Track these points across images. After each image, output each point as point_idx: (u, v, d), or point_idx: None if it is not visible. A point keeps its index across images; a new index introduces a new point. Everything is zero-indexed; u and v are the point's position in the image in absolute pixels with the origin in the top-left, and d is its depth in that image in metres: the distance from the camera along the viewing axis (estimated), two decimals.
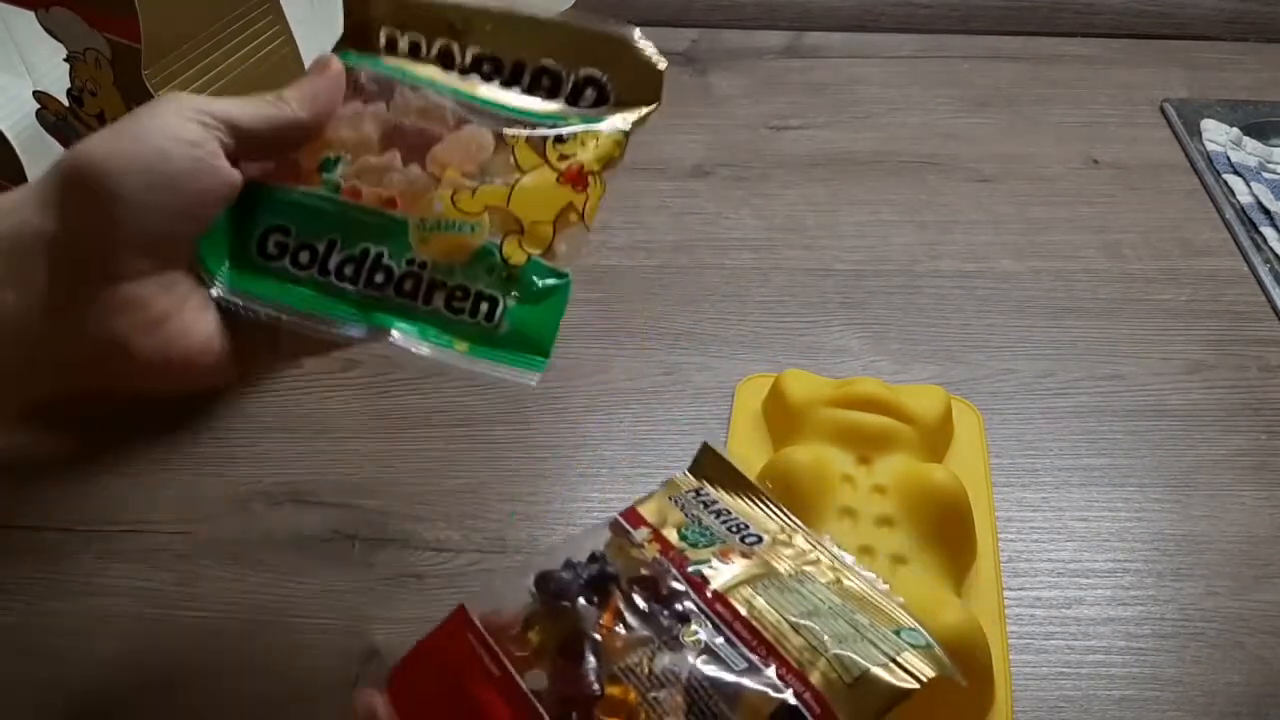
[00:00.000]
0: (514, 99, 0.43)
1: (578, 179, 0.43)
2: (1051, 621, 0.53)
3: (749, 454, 0.58)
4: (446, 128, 0.42)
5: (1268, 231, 0.75)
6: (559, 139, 0.42)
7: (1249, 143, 0.83)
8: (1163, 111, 0.86)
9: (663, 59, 0.45)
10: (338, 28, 0.82)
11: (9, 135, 0.57)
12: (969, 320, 0.68)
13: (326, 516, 0.56)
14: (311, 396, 0.62)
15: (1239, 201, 0.77)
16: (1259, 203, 0.77)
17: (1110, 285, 0.71)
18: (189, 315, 0.38)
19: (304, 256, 0.41)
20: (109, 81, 0.50)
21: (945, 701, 0.48)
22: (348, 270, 0.41)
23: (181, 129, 0.38)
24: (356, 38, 0.45)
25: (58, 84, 0.52)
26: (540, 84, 0.44)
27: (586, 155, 0.43)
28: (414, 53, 0.44)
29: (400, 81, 0.43)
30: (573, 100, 0.44)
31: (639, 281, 0.70)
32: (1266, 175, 0.80)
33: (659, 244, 0.72)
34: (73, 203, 0.36)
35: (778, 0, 0.93)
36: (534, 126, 0.42)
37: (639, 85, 0.44)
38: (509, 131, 0.42)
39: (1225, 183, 0.79)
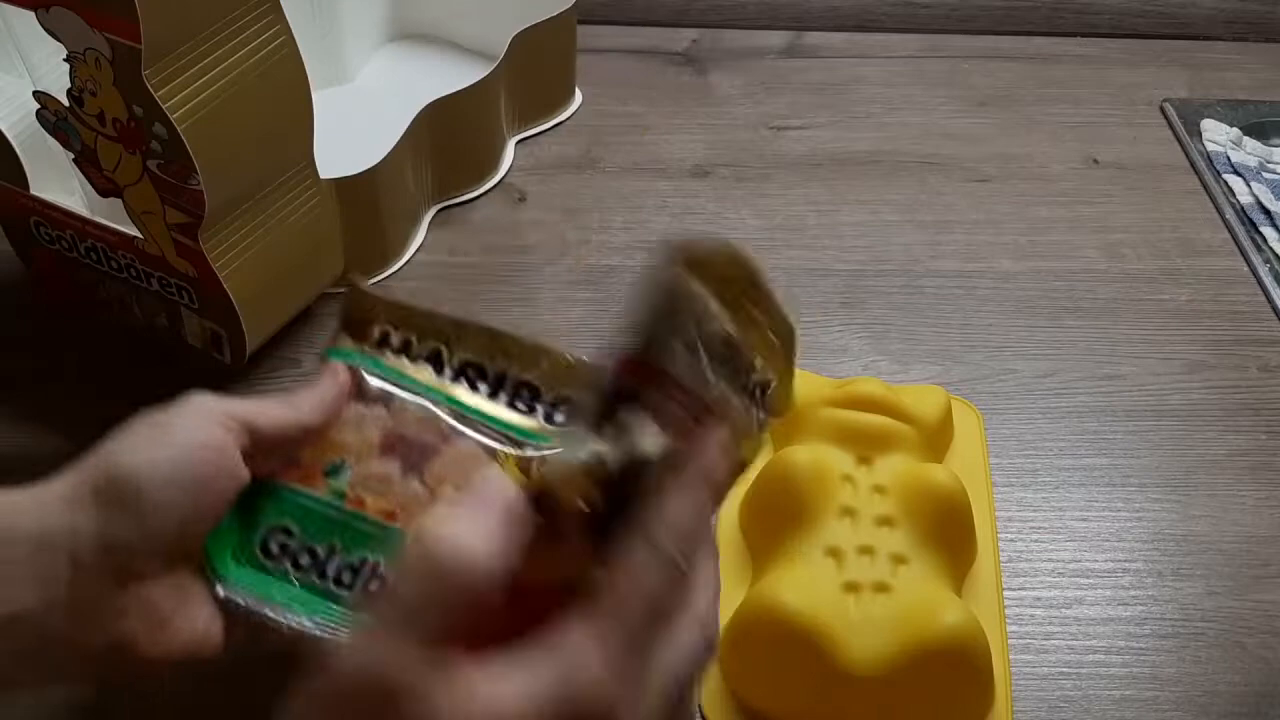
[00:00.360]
0: (498, 411, 0.47)
1: None
2: (1051, 621, 0.53)
3: None
4: (442, 439, 0.46)
5: (1268, 231, 0.75)
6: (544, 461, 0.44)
7: (1249, 143, 0.83)
8: (1163, 111, 0.86)
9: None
10: (338, 28, 0.82)
11: (9, 135, 0.57)
12: (969, 320, 0.68)
13: None
14: None
15: (1239, 201, 0.77)
16: (1259, 203, 0.77)
17: (1110, 285, 0.71)
18: (192, 610, 0.40)
19: (305, 559, 0.43)
20: (109, 81, 0.50)
21: (945, 701, 0.48)
22: (345, 577, 0.43)
23: (207, 434, 0.40)
24: (352, 328, 0.48)
25: (58, 84, 0.52)
26: (520, 396, 0.47)
27: None
28: (404, 349, 0.48)
29: (399, 385, 0.47)
30: (549, 417, 0.47)
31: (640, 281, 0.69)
32: (1266, 175, 0.80)
33: (659, 244, 0.72)
34: (104, 506, 0.37)
35: (778, 0, 0.93)
36: (519, 444, 0.45)
37: None
38: (501, 450, 0.45)
39: (1225, 183, 0.79)
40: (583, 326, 0.66)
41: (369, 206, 0.65)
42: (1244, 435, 0.62)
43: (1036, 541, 0.56)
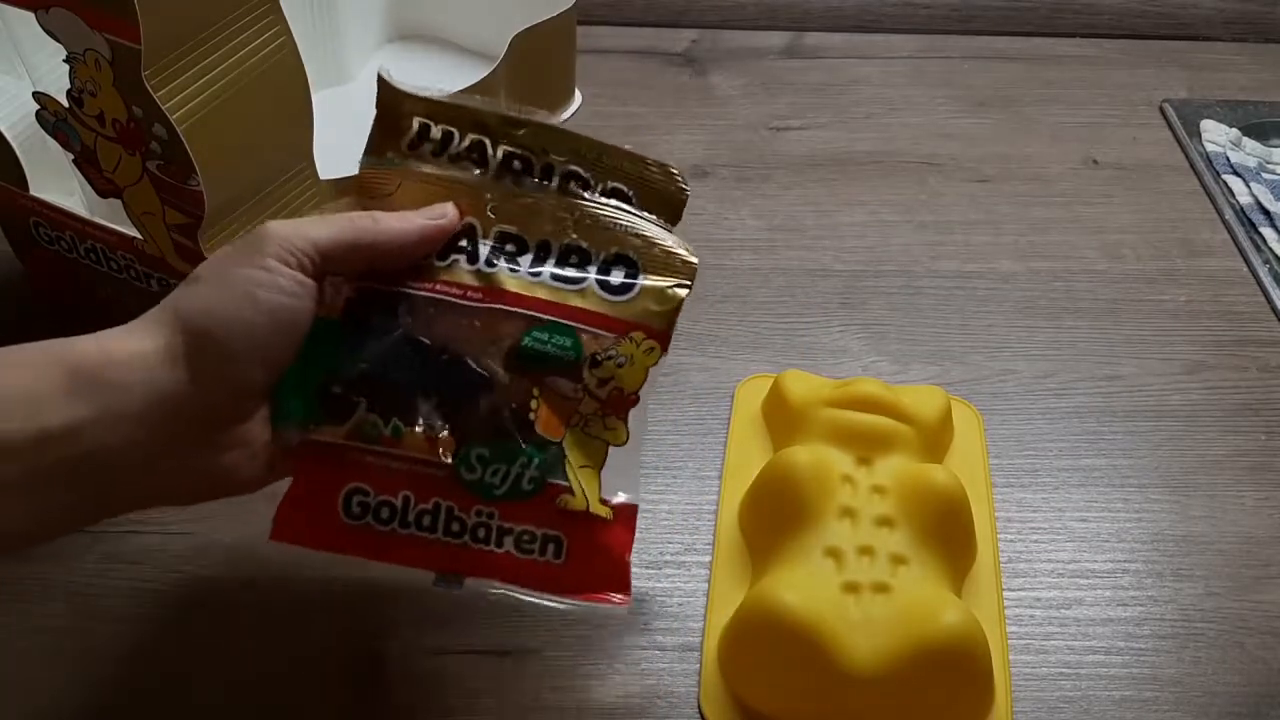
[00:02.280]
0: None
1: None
2: (1051, 622, 0.53)
3: (749, 454, 0.58)
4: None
5: (1267, 232, 0.75)
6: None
7: (1248, 143, 0.83)
8: (1162, 112, 0.86)
9: (687, 186, 0.47)
10: (338, 28, 0.82)
11: (9, 136, 0.57)
12: (969, 321, 0.68)
13: None
14: None
15: (1239, 202, 0.77)
16: (1259, 203, 0.77)
17: (1110, 285, 0.71)
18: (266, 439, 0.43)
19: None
20: (109, 81, 0.50)
21: (945, 701, 0.48)
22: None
23: (288, 283, 0.41)
24: (386, 124, 0.46)
25: (58, 84, 0.52)
26: (569, 187, 0.46)
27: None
28: (445, 144, 0.46)
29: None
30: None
31: None
32: (1266, 176, 0.80)
33: None
34: (202, 362, 0.40)
35: (778, 0, 0.93)
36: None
37: (663, 203, 0.47)
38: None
39: (1225, 183, 0.79)
40: None
41: None
42: (1244, 436, 0.62)
43: (1036, 542, 0.56)
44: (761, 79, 0.87)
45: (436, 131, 0.45)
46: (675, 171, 0.47)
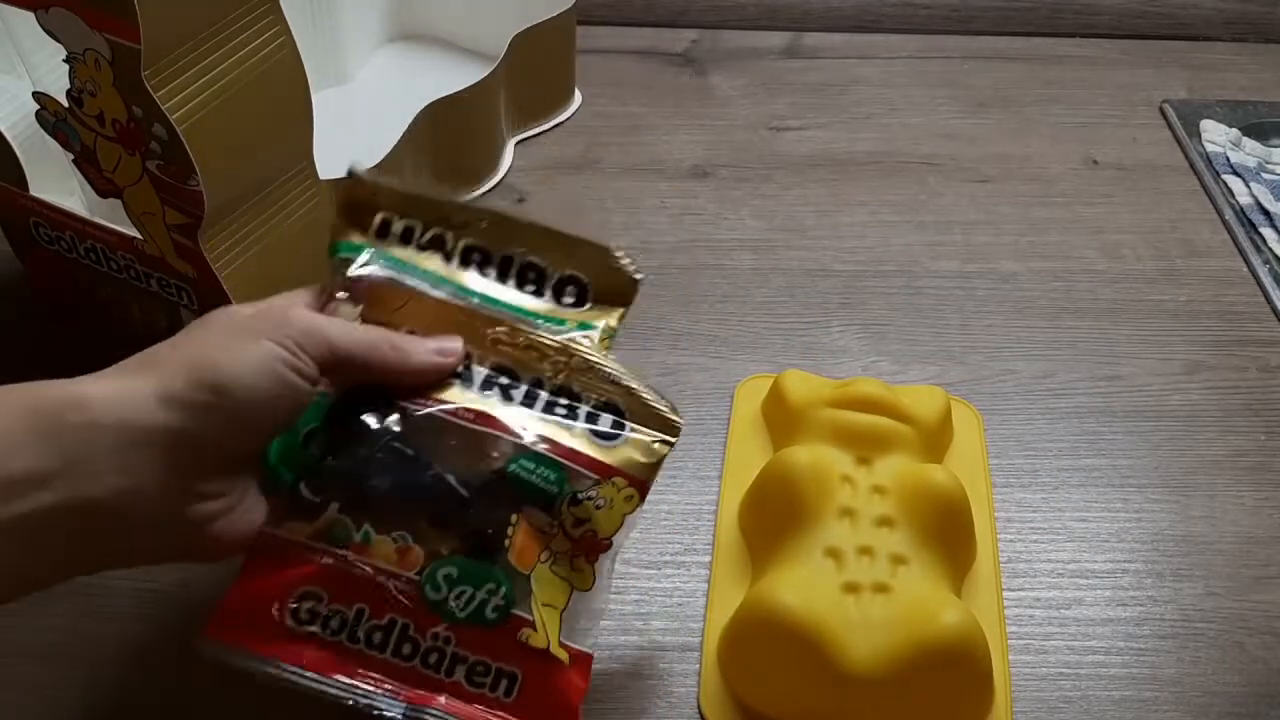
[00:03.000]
0: (510, 295, 0.47)
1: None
2: (1051, 622, 0.53)
3: (749, 454, 0.58)
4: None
5: (1267, 232, 0.75)
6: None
7: (1248, 143, 0.83)
8: (1162, 112, 0.86)
9: (640, 272, 0.48)
10: (338, 28, 0.82)
11: (9, 136, 0.57)
12: (969, 321, 0.68)
13: None
14: None
15: (1238, 202, 0.77)
16: (1258, 203, 0.77)
17: (1110, 286, 0.71)
18: (251, 500, 0.42)
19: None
20: (109, 81, 0.49)
21: (945, 702, 0.48)
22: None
23: (292, 361, 0.41)
24: (352, 217, 0.47)
25: (58, 84, 0.52)
26: (527, 277, 0.47)
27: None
28: (406, 237, 0.47)
29: (414, 276, 0.46)
30: (556, 296, 0.47)
31: None
32: (1266, 176, 0.80)
33: (658, 244, 0.72)
34: (196, 409, 0.39)
35: (778, 0, 0.93)
36: (532, 325, 0.46)
37: (617, 289, 0.48)
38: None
39: (1225, 183, 0.79)
40: None
41: None
42: (1243, 436, 0.62)
43: (1036, 542, 0.56)
44: (761, 79, 0.87)
45: (399, 225, 0.47)
46: (626, 257, 0.47)
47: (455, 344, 0.45)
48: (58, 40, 0.50)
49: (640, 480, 0.44)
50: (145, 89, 0.48)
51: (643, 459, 0.44)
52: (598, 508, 0.43)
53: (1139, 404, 0.63)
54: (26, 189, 0.59)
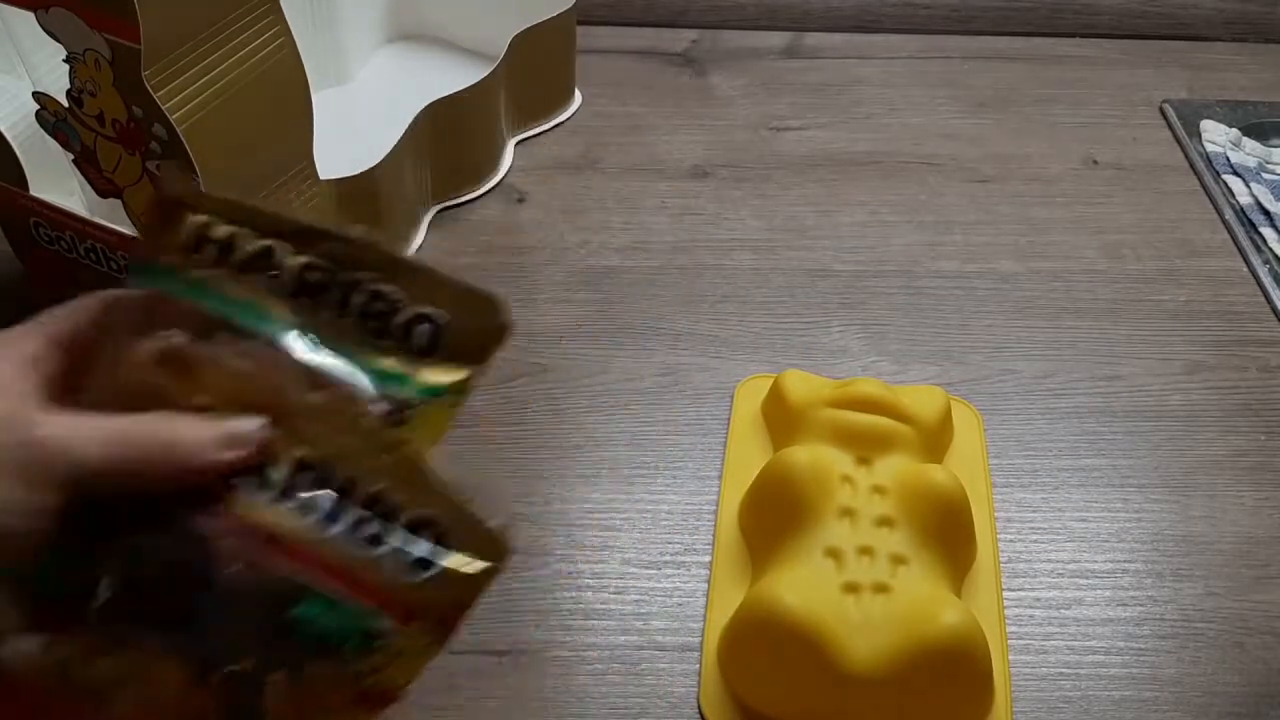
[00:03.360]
0: (346, 335, 0.38)
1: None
2: (1051, 622, 0.53)
3: (749, 454, 0.58)
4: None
5: (1267, 232, 0.75)
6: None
7: (1248, 143, 0.83)
8: (1162, 112, 0.86)
9: (509, 320, 0.39)
10: (338, 28, 0.82)
11: (9, 136, 0.57)
12: (969, 320, 0.68)
13: None
14: None
15: (1238, 202, 0.77)
16: (1258, 203, 0.77)
17: (1110, 285, 0.71)
18: None
19: None
20: (109, 81, 0.50)
21: (945, 702, 0.48)
22: None
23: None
24: (163, 223, 0.38)
25: (58, 84, 0.52)
26: (373, 310, 0.38)
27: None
28: (226, 250, 0.38)
29: (223, 314, 0.37)
30: (405, 336, 0.38)
31: (639, 282, 0.70)
32: (1266, 176, 0.80)
33: (658, 244, 0.72)
34: None
35: (778, 0, 0.93)
36: (371, 390, 0.38)
37: (479, 337, 0.39)
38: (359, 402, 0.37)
39: (1225, 183, 0.79)
40: (582, 327, 0.66)
41: (369, 207, 0.65)
42: (1243, 436, 0.62)
43: (1036, 542, 0.56)
44: (761, 79, 0.87)
45: (221, 231, 0.38)
46: (497, 301, 0.39)
47: (250, 429, 0.36)
48: (58, 40, 0.50)
49: (449, 621, 0.37)
50: (145, 89, 0.48)
51: (457, 595, 0.36)
52: (393, 656, 0.36)
53: (1139, 404, 0.63)
54: (26, 189, 0.59)
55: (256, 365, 0.37)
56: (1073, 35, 0.94)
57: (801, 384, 0.58)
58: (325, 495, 0.36)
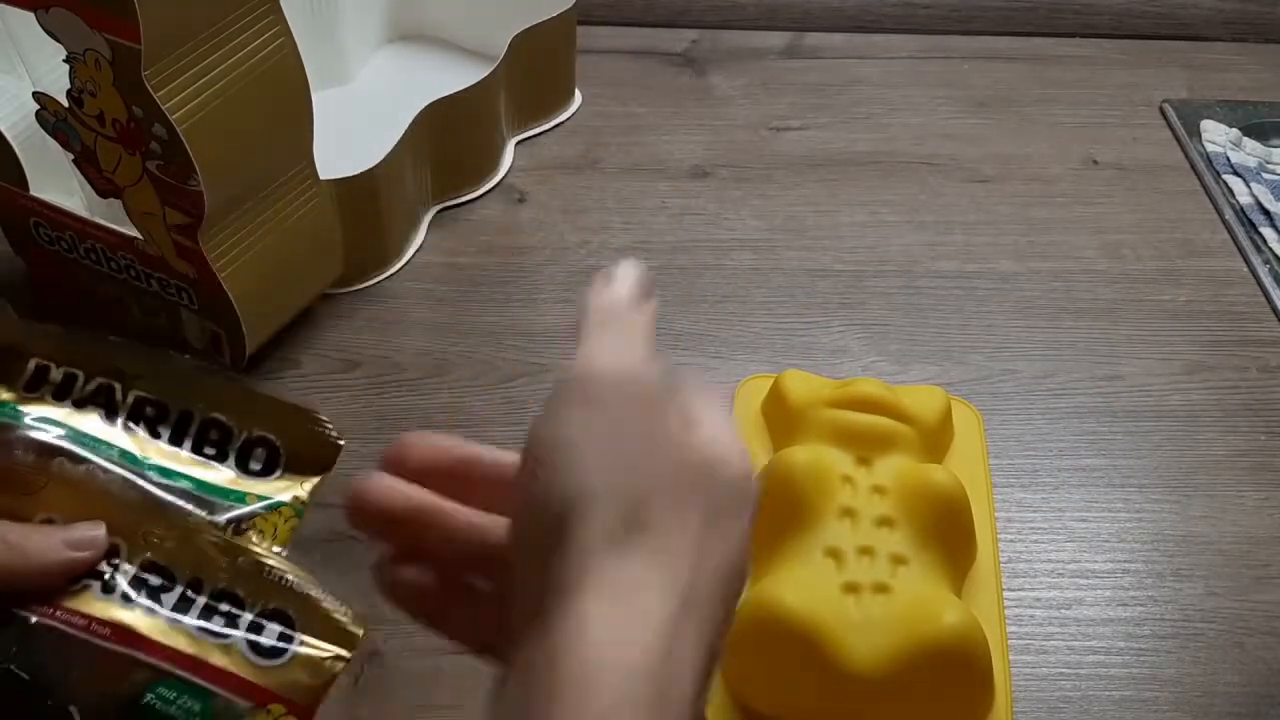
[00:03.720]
0: (184, 464, 0.40)
1: None
2: (1051, 622, 0.53)
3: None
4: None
5: (1267, 232, 0.75)
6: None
7: (1249, 143, 0.83)
8: (1162, 112, 0.86)
9: (341, 438, 0.42)
10: (338, 28, 0.82)
11: (9, 136, 0.57)
12: (969, 321, 0.68)
13: (326, 517, 0.55)
14: (312, 397, 0.62)
15: (1239, 202, 0.77)
16: (1259, 203, 0.77)
17: (1110, 285, 0.71)
18: None
19: None
20: (109, 82, 0.50)
21: (945, 702, 0.48)
22: None
23: None
24: (2, 360, 0.40)
25: (58, 84, 0.52)
26: (209, 437, 0.41)
27: None
28: (68, 387, 0.40)
29: (65, 441, 0.39)
30: (242, 461, 0.41)
31: None
32: (1266, 176, 0.80)
33: (658, 244, 0.72)
34: None
35: (778, 0, 0.93)
36: (211, 506, 0.40)
37: (313, 454, 0.42)
38: (194, 517, 0.40)
39: (1225, 183, 0.79)
40: None
41: (369, 207, 0.65)
42: (1244, 436, 0.62)
43: (1036, 542, 0.56)
44: (761, 79, 0.87)
45: (58, 374, 0.40)
46: (326, 421, 0.42)
47: (94, 533, 0.38)
48: (58, 40, 0.50)
49: (304, 705, 0.38)
50: (145, 89, 0.48)
51: (309, 680, 0.38)
52: None
53: (1139, 404, 0.63)
54: (26, 189, 0.59)
55: (96, 486, 0.39)
56: (1073, 35, 0.94)
57: (801, 384, 0.58)
58: (172, 592, 0.38)
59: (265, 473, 0.41)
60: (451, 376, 0.63)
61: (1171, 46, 0.93)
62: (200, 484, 0.40)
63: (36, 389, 0.40)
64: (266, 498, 0.41)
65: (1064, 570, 0.55)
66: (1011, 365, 0.65)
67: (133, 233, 0.56)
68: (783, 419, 0.58)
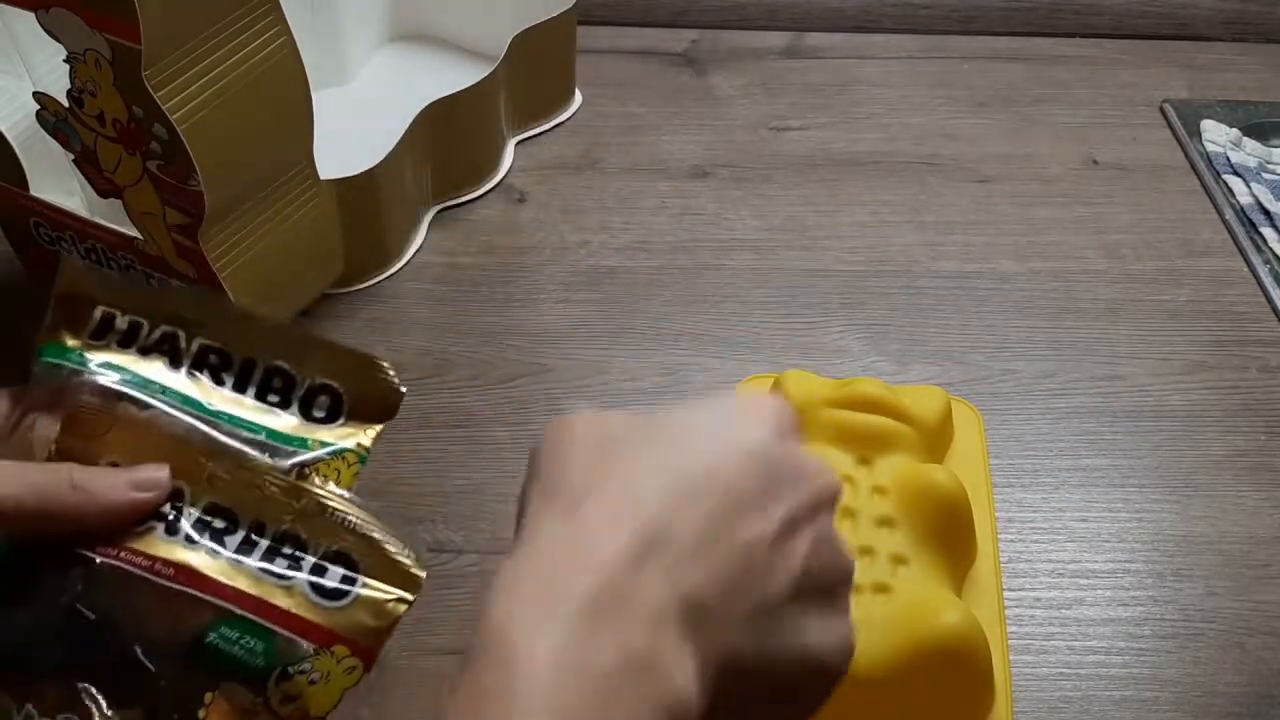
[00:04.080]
0: (248, 411, 0.41)
1: None
2: (1051, 622, 0.53)
3: None
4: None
5: (1267, 232, 0.75)
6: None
7: (1249, 143, 0.83)
8: (1163, 112, 0.86)
9: (403, 386, 0.42)
10: (338, 28, 0.82)
11: (9, 136, 0.57)
12: (969, 320, 0.68)
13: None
14: None
15: (1239, 202, 0.77)
16: (1259, 203, 0.77)
17: (1110, 285, 0.71)
18: None
19: None
20: (109, 82, 0.50)
21: (945, 702, 0.48)
22: None
23: None
24: (68, 311, 0.41)
25: (58, 84, 0.52)
26: (272, 385, 0.41)
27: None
28: (132, 337, 0.41)
29: (129, 387, 0.40)
30: (305, 408, 0.41)
31: (639, 282, 0.70)
32: (1266, 176, 0.80)
33: (659, 244, 0.72)
34: None
35: (778, 0, 0.93)
36: (275, 451, 0.40)
37: (376, 402, 0.42)
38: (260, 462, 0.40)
39: (1225, 183, 0.79)
40: (583, 327, 0.66)
41: (369, 207, 0.65)
42: (1244, 436, 0.62)
43: (1036, 542, 0.56)
44: (761, 79, 0.87)
45: (123, 321, 0.41)
46: (388, 367, 0.42)
47: (158, 475, 0.38)
48: (58, 40, 0.50)
49: (366, 648, 0.38)
50: (145, 89, 0.48)
51: (372, 622, 0.38)
52: (311, 683, 0.37)
53: (1139, 404, 0.63)
54: (27, 189, 0.59)
55: (160, 430, 0.39)
56: (1073, 35, 0.94)
57: (802, 384, 0.58)
58: (235, 534, 0.38)
59: (329, 420, 0.41)
60: (451, 376, 0.63)
61: (1172, 46, 0.93)
62: (265, 430, 0.40)
63: (103, 336, 0.41)
64: (330, 444, 0.41)
65: (1064, 570, 0.55)
66: (1011, 365, 0.65)
67: (133, 233, 0.56)
68: None
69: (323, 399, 0.41)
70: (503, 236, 0.73)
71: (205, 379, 0.41)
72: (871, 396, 0.55)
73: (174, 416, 0.40)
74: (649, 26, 0.92)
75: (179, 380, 0.41)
